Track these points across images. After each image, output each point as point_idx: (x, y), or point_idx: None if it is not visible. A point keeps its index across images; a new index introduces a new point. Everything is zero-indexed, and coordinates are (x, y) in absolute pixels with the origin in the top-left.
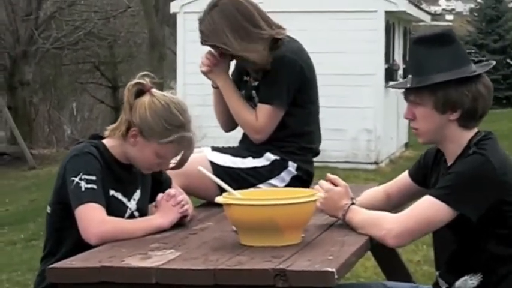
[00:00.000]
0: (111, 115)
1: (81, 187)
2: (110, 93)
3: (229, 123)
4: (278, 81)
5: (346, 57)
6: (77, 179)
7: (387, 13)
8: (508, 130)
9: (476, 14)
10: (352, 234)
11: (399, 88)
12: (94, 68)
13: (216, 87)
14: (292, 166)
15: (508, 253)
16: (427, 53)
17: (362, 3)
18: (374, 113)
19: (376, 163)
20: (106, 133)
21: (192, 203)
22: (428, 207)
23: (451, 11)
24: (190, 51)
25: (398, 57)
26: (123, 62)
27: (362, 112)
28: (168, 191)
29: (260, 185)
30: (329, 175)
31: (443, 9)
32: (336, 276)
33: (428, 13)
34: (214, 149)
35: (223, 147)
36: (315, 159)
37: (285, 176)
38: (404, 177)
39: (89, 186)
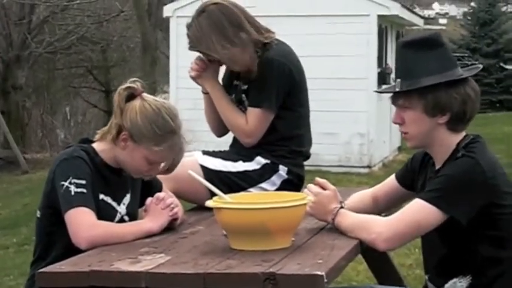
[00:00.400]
0: (104, 119)
1: (70, 191)
2: (103, 98)
3: (220, 129)
4: (267, 85)
5: (339, 61)
6: (66, 183)
7: (380, 17)
8: (502, 134)
9: (469, 18)
10: (342, 238)
11: (388, 92)
12: (87, 72)
13: (205, 93)
14: (283, 170)
15: (497, 255)
16: (415, 56)
17: (354, 7)
18: (367, 116)
19: (369, 167)
20: (97, 137)
21: (183, 207)
22: (418, 211)
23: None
24: (183, 56)
25: (391, 61)
26: (116, 66)
27: (355, 116)
28: (157, 194)
29: (251, 189)
30: (318, 179)
31: (436, 13)
32: (325, 280)
33: (421, 17)
34: (205, 152)
35: (213, 151)
36: (307, 163)
37: (276, 179)
38: (391, 181)
39: (79, 190)
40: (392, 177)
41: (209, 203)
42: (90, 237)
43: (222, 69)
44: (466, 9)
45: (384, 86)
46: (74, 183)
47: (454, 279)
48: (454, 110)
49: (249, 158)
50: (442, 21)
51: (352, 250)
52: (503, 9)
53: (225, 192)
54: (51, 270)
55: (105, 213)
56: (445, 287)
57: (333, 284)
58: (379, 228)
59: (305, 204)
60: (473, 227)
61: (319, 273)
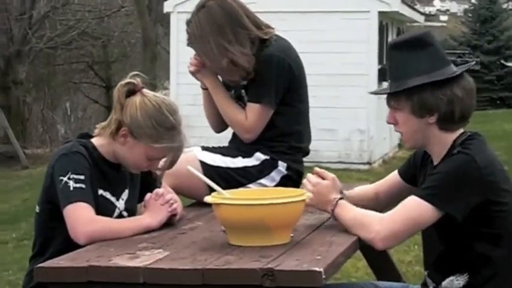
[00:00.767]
0: (105, 115)
1: (69, 186)
2: (104, 93)
3: (219, 124)
4: (267, 80)
5: (339, 58)
6: (65, 178)
7: (380, 13)
8: (502, 131)
9: (470, 15)
10: (340, 234)
11: (379, 94)
12: (88, 67)
13: (204, 88)
14: (282, 166)
15: (494, 253)
16: (403, 57)
17: (355, 3)
18: (367, 113)
19: (369, 163)
20: (96, 131)
21: (182, 202)
22: (414, 208)
23: (445, 12)
24: (184, 51)
25: None
26: (116, 61)
27: (355, 112)
28: (156, 190)
29: (250, 185)
30: (316, 169)
31: (437, 10)
32: (323, 276)
33: (422, 13)
34: (204, 148)
35: (213, 147)
36: (307, 159)
37: (275, 175)
38: (393, 176)
39: (78, 185)
40: (395, 172)
41: (208, 199)
42: (88, 232)
43: None
44: (466, 6)
45: (384, 83)
46: (73, 178)
47: (451, 277)
48: (442, 111)
49: (248, 154)
50: (443, 18)
51: (351, 246)
52: (504, 6)
53: (224, 188)
54: (50, 265)
55: (103, 208)
56: (443, 284)
57: (332, 280)
58: (377, 226)
59: (304, 200)
60: (469, 223)
61: (317, 269)
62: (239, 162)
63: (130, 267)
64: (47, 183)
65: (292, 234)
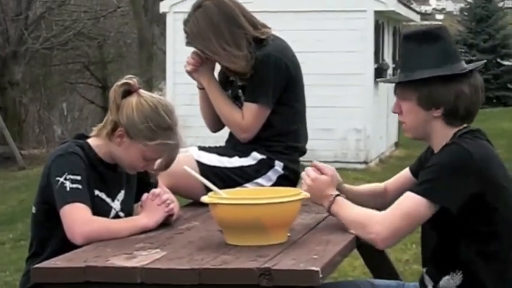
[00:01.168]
0: (101, 115)
1: (66, 187)
2: (100, 93)
3: (215, 124)
4: (263, 80)
5: (336, 57)
6: (62, 179)
7: (376, 13)
8: (500, 129)
9: (466, 14)
10: (337, 233)
11: (387, 82)
12: (84, 68)
13: (201, 88)
14: (278, 165)
15: (489, 251)
16: (415, 49)
17: (351, 2)
18: (363, 112)
19: (365, 162)
20: (92, 133)
21: (179, 202)
22: (410, 204)
23: (441, 11)
24: (180, 51)
25: (387, 57)
26: (113, 62)
27: (351, 112)
28: (153, 190)
29: (247, 184)
30: (315, 162)
31: (433, 9)
32: (320, 275)
33: (418, 13)
34: (201, 148)
35: (209, 147)
36: (303, 158)
37: (272, 175)
38: (404, 173)
39: (74, 186)
40: (406, 170)
41: (204, 199)
42: (85, 232)
43: (218, 65)
44: (462, 5)
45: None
46: (69, 179)
47: (447, 276)
48: (448, 105)
49: (245, 154)
50: (439, 16)
51: (348, 245)
52: (500, 4)
53: (221, 188)
54: (47, 265)
55: (99, 209)
56: (440, 284)
57: (329, 279)
58: (377, 226)
59: (300, 199)
60: (465, 218)
61: (314, 268)
62: (236, 161)
63: (128, 267)
64: (43, 183)
65: (289, 234)
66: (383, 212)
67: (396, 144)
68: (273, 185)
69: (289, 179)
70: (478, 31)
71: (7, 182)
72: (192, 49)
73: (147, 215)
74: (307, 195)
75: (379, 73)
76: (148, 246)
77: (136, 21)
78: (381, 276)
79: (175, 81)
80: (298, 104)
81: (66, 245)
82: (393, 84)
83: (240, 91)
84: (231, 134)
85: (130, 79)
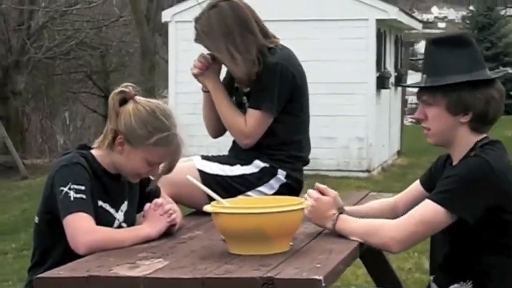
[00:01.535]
0: (104, 124)
1: (70, 197)
2: (102, 103)
3: (216, 129)
4: (269, 88)
5: (338, 66)
6: (66, 189)
7: (378, 21)
8: (503, 137)
9: (468, 22)
10: (340, 242)
11: (413, 87)
12: (86, 77)
13: (206, 91)
14: (281, 174)
15: (501, 263)
16: (443, 54)
17: (353, 11)
18: (366, 121)
19: (368, 171)
20: (94, 145)
21: (181, 211)
22: (428, 211)
23: (443, 19)
24: (182, 60)
25: (389, 65)
26: (115, 71)
27: (354, 120)
28: (155, 200)
29: (249, 193)
30: (318, 184)
31: (435, 17)
32: (323, 284)
33: (420, 21)
34: (204, 157)
35: (212, 156)
36: (306, 167)
37: (274, 183)
38: (414, 187)
39: (78, 196)
40: (417, 182)
41: (207, 208)
42: (88, 242)
43: (224, 70)
44: (464, 13)
45: (382, 91)
46: (74, 188)
47: (456, 285)
48: (477, 110)
49: (247, 162)
50: (441, 25)
51: (351, 254)
52: (502, 12)
53: (223, 197)
54: (50, 275)
55: (103, 220)
56: None
57: None
58: (390, 232)
59: (303, 208)
60: (480, 229)
61: (317, 277)
62: (237, 170)
63: (131, 276)
64: (47, 193)
65: (291, 243)
66: (397, 220)
67: (398, 153)
68: (275, 194)
69: (292, 187)
70: (480, 39)
71: (9, 191)
72: (196, 55)
73: (150, 225)
74: (310, 203)
75: (381, 81)
76: (151, 255)
77: (139, 31)
78: (384, 285)
79: (178, 91)
80: (303, 114)
81: (69, 255)
82: (395, 93)
83: (244, 98)
84: (234, 143)
85: (126, 87)
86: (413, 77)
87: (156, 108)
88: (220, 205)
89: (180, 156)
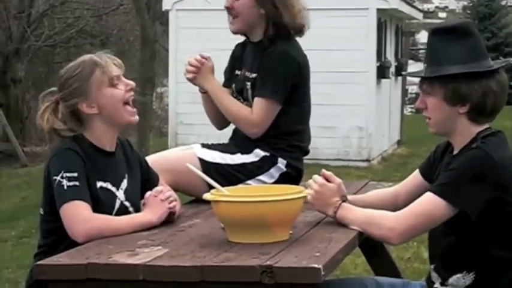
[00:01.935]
0: None
1: (63, 185)
2: None
3: (222, 122)
4: (276, 76)
5: (338, 55)
6: (58, 178)
7: (379, 11)
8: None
9: (469, 12)
10: (339, 231)
11: (414, 76)
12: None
13: (203, 92)
14: (281, 163)
15: (504, 255)
16: (443, 44)
17: (354, 0)
18: (366, 110)
19: (368, 160)
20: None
21: (181, 200)
22: (429, 204)
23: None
24: (183, 49)
25: (390, 55)
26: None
27: (354, 110)
28: (156, 188)
29: (249, 181)
30: (324, 171)
31: (436, 7)
32: (322, 273)
33: (421, 11)
34: (204, 145)
35: (212, 144)
36: (306, 156)
37: (274, 172)
38: (413, 177)
39: (71, 183)
40: (416, 172)
41: (207, 196)
42: (86, 230)
43: (220, 66)
44: (465, 3)
45: (383, 80)
46: (66, 177)
47: (458, 275)
48: (474, 102)
49: (247, 150)
50: (442, 14)
51: (350, 243)
52: (503, 2)
53: (223, 185)
54: (49, 262)
55: (106, 199)
56: (449, 281)
57: (331, 277)
58: (390, 223)
59: (303, 197)
60: (482, 222)
61: (316, 266)
62: (238, 158)
63: (130, 264)
64: (45, 184)
65: (291, 231)
66: (398, 212)
67: (399, 142)
68: (275, 183)
69: (292, 176)
70: (481, 29)
71: (9, 179)
72: (195, 48)
73: (151, 211)
74: (310, 192)
75: (382, 71)
76: (151, 243)
77: (139, 19)
78: (383, 274)
79: (178, 80)
80: (306, 104)
81: (76, 244)
82: (395, 83)
83: (248, 84)
84: (234, 132)
85: (45, 97)
86: (414, 67)
87: (62, 70)
88: (219, 193)
89: (110, 57)
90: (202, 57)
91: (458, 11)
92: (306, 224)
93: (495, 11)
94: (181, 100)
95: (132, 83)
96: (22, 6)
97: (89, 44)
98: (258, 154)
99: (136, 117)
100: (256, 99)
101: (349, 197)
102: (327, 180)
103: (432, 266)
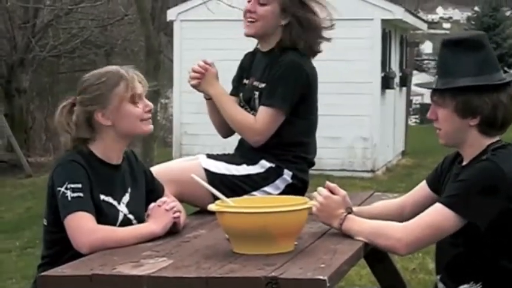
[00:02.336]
0: None
1: (67, 197)
2: None
3: (227, 130)
4: (284, 86)
5: (343, 65)
6: (63, 189)
7: (383, 21)
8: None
9: (473, 22)
10: (344, 242)
11: (425, 88)
12: None
13: (208, 99)
14: (287, 174)
15: (511, 267)
16: (455, 56)
17: (358, 11)
18: (370, 121)
19: (372, 171)
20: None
21: (186, 210)
22: (437, 215)
23: (448, 19)
24: (187, 59)
25: (394, 65)
26: None
27: (358, 120)
28: (160, 199)
29: (254, 193)
30: (328, 183)
31: (440, 18)
32: (327, 285)
33: (425, 21)
34: (209, 156)
35: (218, 155)
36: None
37: (280, 183)
38: (420, 187)
39: (75, 194)
40: (423, 183)
41: (211, 207)
42: (90, 242)
43: (224, 75)
44: (469, 14)
45: (387, 91)
46: (70, 188)
47: (465, 286)
48: (485, 114)
49: (253, 162)
50: (446, 25)
51: (355, 254)
52: (507, 13)
53: (229, 196)
54: (53, 273)
55: (109, 212)
56: None
57: None
58: (398, 233)
59: (308, 208)
60: (492, 233)
61: (321, 277)
62: (243, 169)
63: (134, 275)
64: (49, 195)
65: (296, 242)
66: (406, 222)
67: (403, 153)
68: (280, 194)
69: (298, 188)
70: None
71: (14, 189)
72: (200, 54)
73: (155, 221)
74: (316, 203)
75: (386, 82)
76: (155, 254)
77: (144, 29)
78: (388, 285)
79: (182, 90)
80: (313, 116)
81: (79, 254)
82: (399, 94)
83: (256, 93)
84: (240, 142)
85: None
86: (418, 77)
87: (87, 75)
88: (224, 204)
89: (139, 75)
90: (206, 63)
91: (462, 22)
92: (311, 235)
93: (499, 21)
94: (186, 110)
95: (151, 104)
96: (27, 16)
97: (93, 54)
98: (263, 165)
99: (151, 127)
100: (261, 107)
101: (355, 209)
102: (332, 192)
103: (438, 277)
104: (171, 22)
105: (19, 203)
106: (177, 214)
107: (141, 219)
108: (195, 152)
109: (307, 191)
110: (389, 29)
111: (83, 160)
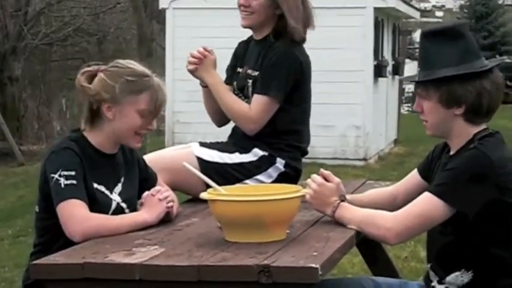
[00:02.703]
0: None
1: (60, 184)
2: None
3: (221, 118)
4: (278, 74)
5: (335, 54)
6: (56, 176)
7: (376, 9)
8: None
9: (466, 11)
10: (337, 230)
11: (408, 81)
12: (83, 64)
13: (204, 86)
14: (280, 162)
15: (502, 254)
16: (435, 47)
17: None
18: (363, 109)
19: (364, 159)
20: (82, 126)
21: (178, 199)
22: (427, 204)
23: (440, 8)
24: (179, 47)
25: (387, 54)
26: (112, 58)
27: (351, 108)
28: (154, 188)
29: (247, 181)
30: (322, 170)
31: (433, 6)
32: (319, 273)
33: (418, 9)
34: (202, 144)
35: (211, 143)
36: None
37: (272, 172)
38: (412, 176)
39: (69, 182)
40: (414, 171)
41: (204, 195)
42: (83, 229)
43: (219, 61)
44: (462, 2)
45: (380, 79)
46: (64, 175)
47: (457, 273)
48: (469, 103)
49: (245, 150)
50: (439, 13)
51: (347, 243)
52: (500, 1)
53: (221, 184)
54: (45, 262)
55: (102, 201)
56: (447, 279)
57: (328, 276)
58: (388, 223)
59: (300, 196)
60: (481, 221)
61: (313, 265)
62: (236, 157)
63: (126, 263)
64: (41, 182)
65: (288, 231)
66: (396, 212)
67: (395, 141)
68: (273, 182)
69: (290, 176)
70: (478, 28)
71: (6, 178)
72: (191, 46)
73: (148, 210)
74: (307, 191)
75: (379, 70)
76: (147, 242)
77: (136, 17)
78: (380, 273)
79: (175, 78)
80: (306, 105)
81: (71, 242)
82: (392, 82)
83: (249, 81)
84: (233, 130)
85: (89, 66)
86: (411, 66)
87: (121, 62)
88: (216, 192)
89: (165, 96)
90: (206, 50)
91: (455, 10)
92: (303, 224)
93: (492, 10)
94: (178, 99)
95: (154, 127)
96: (19, 4)
97: (85, 42)
98: (256, 154)
99: (139, 145)
100: (255, 96)
101: (348, 197)
102: (326, 179)
103: (429, 265)
104: (164, 10)
105: (11, 192)
106: (170, 204)
107: (133, 208)
108: (187, 141)
109: (300, 179)
110: (382, 17)
111: (77, 148)
